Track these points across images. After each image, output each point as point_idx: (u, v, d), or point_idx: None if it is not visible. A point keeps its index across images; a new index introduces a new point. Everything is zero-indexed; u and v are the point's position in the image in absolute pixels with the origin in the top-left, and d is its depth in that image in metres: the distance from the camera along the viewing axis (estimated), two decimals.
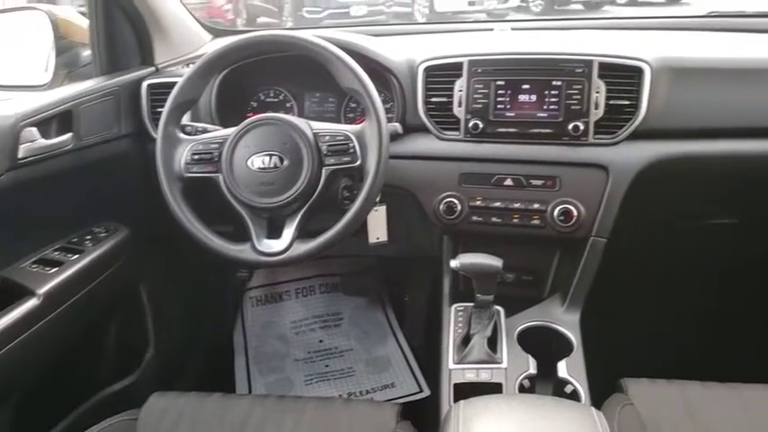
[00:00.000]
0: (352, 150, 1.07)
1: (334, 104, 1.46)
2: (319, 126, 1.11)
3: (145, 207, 1.36)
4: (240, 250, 1.08)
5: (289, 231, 1.07)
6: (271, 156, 1.07)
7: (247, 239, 1.08)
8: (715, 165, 1.23)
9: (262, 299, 2.09)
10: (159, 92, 1.38)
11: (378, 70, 1.27)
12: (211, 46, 1.34)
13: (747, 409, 0.97)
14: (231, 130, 1.11)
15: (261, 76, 1.44)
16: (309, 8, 8.16)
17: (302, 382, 1.87)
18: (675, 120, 1.19)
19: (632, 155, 1.19)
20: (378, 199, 1.15)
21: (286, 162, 1.07)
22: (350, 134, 1.08)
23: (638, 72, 1.17)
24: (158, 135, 1.12)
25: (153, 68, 1.49)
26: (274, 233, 1.09)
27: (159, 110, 1.15)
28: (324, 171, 1.07)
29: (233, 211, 1.09)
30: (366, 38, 1.36)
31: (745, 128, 1.20)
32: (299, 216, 1.08)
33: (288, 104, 1.48)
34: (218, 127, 1.22)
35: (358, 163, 1.07)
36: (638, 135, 1.18)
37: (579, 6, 9.25)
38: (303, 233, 1.08)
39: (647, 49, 1.21)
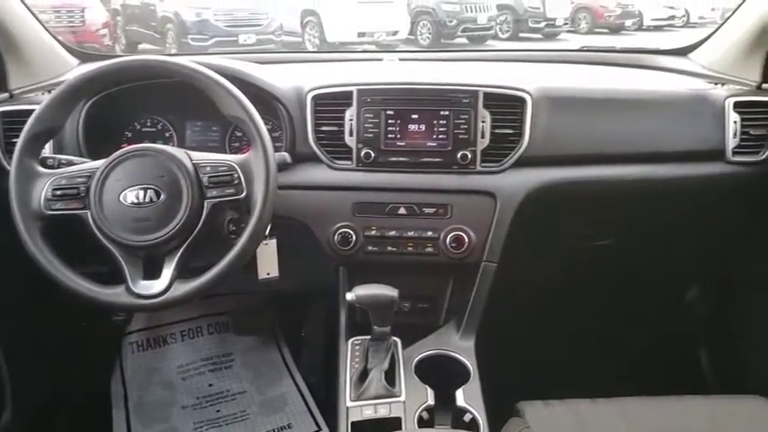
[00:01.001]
0: (236, 181, 1.01)
1: (218, 134, 1.39)
2: (200, 156, 1.04)
3: None
4: (113, 294, 0.99)
5: (168, 271, 1.00)
6: (146, 189, 0.99)
7: (121, 281, 0.99)
8: (590, 189, 1.29)
9: (143, 344, 1.93)
10: (14, 120, 1.25)
11: (264, 98, 1.23)
12: (77, 71, 1.23)
13: (631, 421, 1.02)
14: (100, 162, 1.02)
15: (137, 103, 1.35)
16: (195, 35, 7.90)
17: (191, 430, 1.74)
18: (555, 147, 1.25)
19: (517, 181, 1.23)
20: (267, 232, 1.09)
21: (163, 196, 0.99)
22: (234, 164, 1.02)
23: (520, 102, 1.22)
24: (12, 168, 1.00)
25: (6, 95, 1.34)
26: (152, 273, 1.00)
27: (15, 141, 1.04)
28: (206, 204, 1.01)
29: (104, 251, 0.99)
30: (250, 65, 1.32)
31: (613, 154, 1.28)
32: (179, 254, 1.00)
33: (167, 134, 1.39)
34: (85, 159, 1.12)
35: (244, 194, 1.01)
36: (522, 162, 1.23)
37: (464, 40, 9.75)
38: (185, 272, 1.01)
39: (528, 80, 1.27)
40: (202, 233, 1.01)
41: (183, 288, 0.99)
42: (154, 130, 1.38)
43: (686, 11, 13.84)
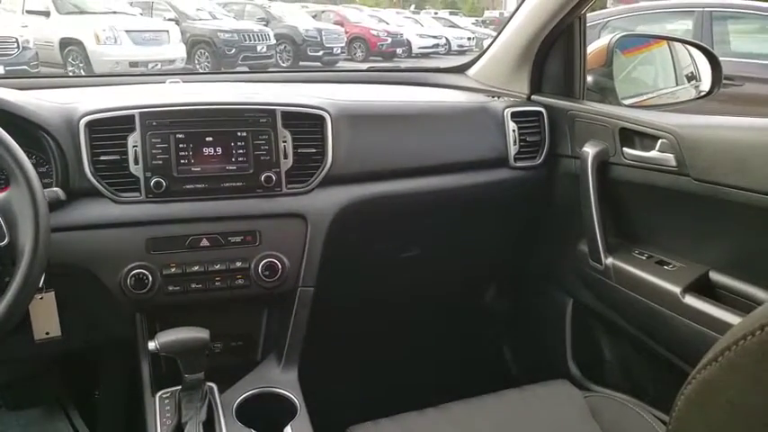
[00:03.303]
0: None
1: None
2: None
3: None
4: None
5: None
6: None
7: None
8: (392, 203, 1.33)
9: None
10: None
11: (24, 127, 1.05)
12: None
13: (457, 425, 1.07)
14: None
15: None
16: None
17: None
18: (358, 164, 1.26)
19: (326, 201, 1.21)
20: (41, 284, 0.92)
21: None
22: None
23: (320, 120, 1.21)
24: None
25: None
26: None
27: None
28: None
29: None
30: (3, 89, 1.11)
31: (411, 168, 1.33)
32: None
33: None
34: None
35: (5, 242, 0.84)
36: (328, 181, 1.21)
37: (245, 68, 9.70)
38: None
39: (324, 98, 1.27)
40: None
41: None
42: None
43: (447, 40, 15.64)
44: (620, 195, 1.34)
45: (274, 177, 1.16)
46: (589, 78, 1.47)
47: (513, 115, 1.43)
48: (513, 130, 1.42)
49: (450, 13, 23.34)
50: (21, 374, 1.64)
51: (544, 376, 1.22)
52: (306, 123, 1.20)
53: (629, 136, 1.27)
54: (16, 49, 7.37)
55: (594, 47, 1.49)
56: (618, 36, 1.48)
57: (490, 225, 1.57)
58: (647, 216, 1.32)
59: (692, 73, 1.64)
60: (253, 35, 10.33)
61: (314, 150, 1.21)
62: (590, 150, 1.32)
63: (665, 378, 1.31)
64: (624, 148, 1.27)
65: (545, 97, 1.51)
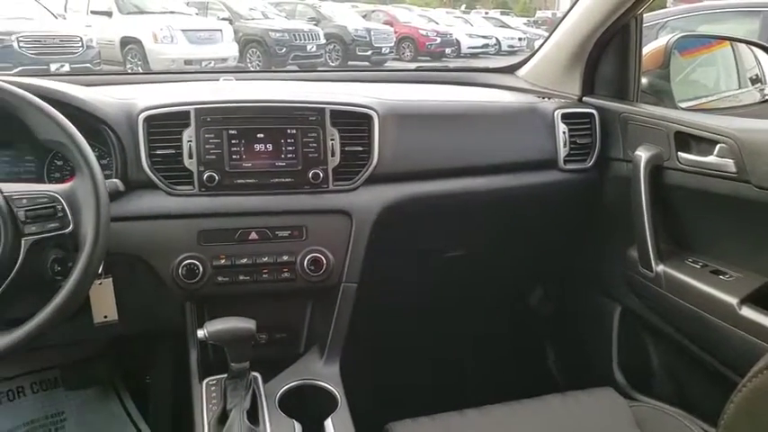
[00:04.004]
0: (60, 214, 0.89)
1: (34, 164, 1.21)
2: (13, 188, 0.90)
3: None
4: None
5: None
6: None
7: None
8: (439, 203, 1.33)
9: None
10: None
11: (88, 121, 1.10)
12: None
13: (498, 427, 1.07)
14: None
15: None
16: None
17: None
18: (404, 163, 1.27)
19: (371, 198, 1.22)
20: (101, 270, 0.97)
21: None
22: (56, 194, 0.89)
23: (367, 119, 1.22)
24: None
25: None
26: None
27: None
28: (23, 243, 0.87)
29: None
30: (70, 85, 1.17)
31: (458, 168, 1.33)
32: None
33: None
34: None
35: (70, 229, 0.88)
36: (374, 179, 1.23)
37: (294, 68, 9.84)
38: (1, 323, 0.86)
39: (373, 97, 1.28)
40: (21, 277, 0.86)
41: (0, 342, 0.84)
42: None
43: (497, 40, 15.45)
44: (673, 201, 1.31)
45: (321, 174, 1.18)
46: (644, 80, 1.44)
47: (564, 117, 1.41)
48: (564, 132, 1.40)
49: (502, 13, 23.07)
50: (79, 356, 1.72)
51: (588, 383, 1.20)
52: (353, 122, 1.22)
53: (686, 140, 1.23)
54: (81, 48, 7.71)
55: (651, 48, 1.46)
56: (677, 37, 1.44)
57: (537, 227, 1.55)
58: (702, 223, 1.28)
59: (756, 75, 1.58)
60: (303, 35, 10.48)
61: (361, 149, 1.22)
62: (643, 154, 1.29)
63: (715, 390, 1.27)
64: (679, 153, 1.24)
65: (597, 99, 1.48)
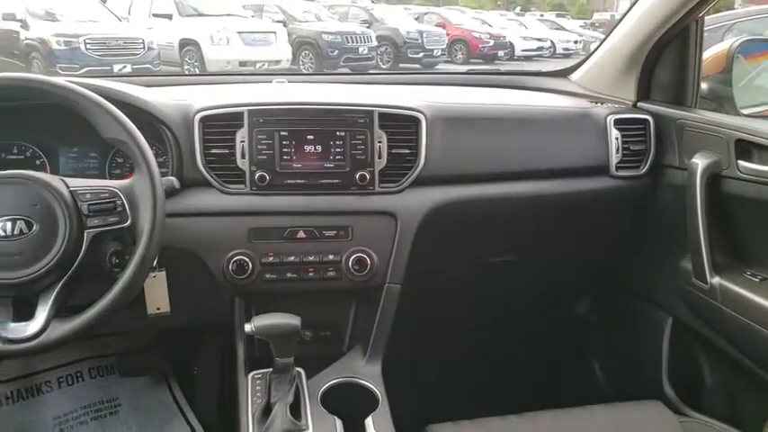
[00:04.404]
0: (119, 209, 0.93)
1: (97, 160, 1.28)
2: (78, 183, 0.95)
3: None
4: None
5: (43, 310, 0.89)
6: (14, 220, 0.89)
7: None
8: (486, 207, 1.33)
9: (12, 396, 1.71)
10: None
11: (147, 120, 1.15)
12: None
13: None
14: None
15: (0, 129, 1.21)
16: (64, 65, 7.38)
17: None
18: (451, 166, 1.27)
19: (416, 201, 1.23)
20: (155, 263, 1.01)
21: (36, 227, 0.89)
22: (116, 190, 0.94)
23: (415, 122, 1.23)
24: None
25: None
26: (24, 314, 0.89)
27: None
28: (86, 235, 0.92)
29: None
30: (131, 86, 1.23)
31: (506, 172, 1.33)
32: (56, 291, 0.90)
33: (38, 162, 1.25)
34: None
35: (128, 223, 0.93)
36: (420, 182, 1.23)
37: (346, 70, 9.93)
38: (62, 311, 0.91)
39: (421, 100, 1.29)
40: (82, 267, 0.91)
41: (61, 328, 0.88)
42: (22, 158, 1.24)
43: (552, 43, 15.16)
44: (731, 211, 1.26)
45: (368, 176, 1.20)
46: (703, 86, 1.39)
47: (617, 122, 1.38)
48: (616, 138, 1.37)
49: (557, 16, 22.61)
50: (133, 345, 1.80)
51: (636, 395, 1.17)
52: (401, 124, 1.23)
53: (747, 148, 1.19)
54: (142, 50, 8.04)
55: (712, 52, 1.41)
56: (741, 40, 1.39)
57: (586, 234, 1.52)
58: (761, 235, 1.23)
59: None
60: (355, 37, 10.57)
61: (408, 151, 1.23)
62: (700, 162, 1.25)
63: None
64: (740, 161, 1.19)
65: (653, 104, 1.44)
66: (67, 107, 0.94)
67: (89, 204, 0.92)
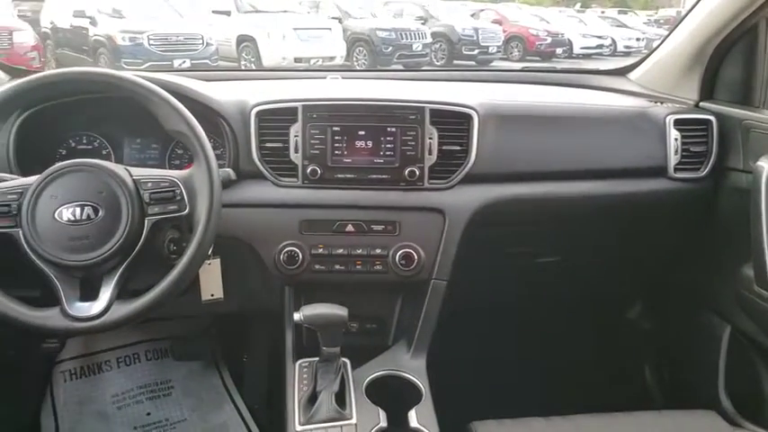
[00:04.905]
0: (178, 198, 0.97)
1: (158, 151, 1.34)
2: (140, 172, 0.99)
3: None
4: (45, 317, 0.92)
5: (106, 292, 0.94)
6: (83, 206, 0.94)
7: (55, 304, 0.92)
8: (536, 205, 1.31)
9: (76, 372, 1.82)
10: None
11: (207, 114, 1.19)
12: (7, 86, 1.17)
13: None
14: (33, 179, 0.96)
15: (71, 120, 1.28)
16: (128, 59, 7.70)
17: None
18: (502, 164, 1.26)
19: (466, 198, 1.23)
20: (210, 251, 1.05)
21: (102, 213, 0.94)
22: (176, 180, 0.98)
23: (466, 118, 1.23)
24: None
25: None
26: (89, 294, 0.94)
27: None
28: (146, 222, 0.96)
29: (37, 272, 0.93)
30: (193, 81, 1.28)
31: (559, 171, 1.31)
32: (119, 273, 0.95)
33: (104, 152, 1.32)
34: (15, 176, 1.05)
35: (186, 211, 0.97)
36: (470, 179, 1.23)
37: (400, 66, 9.91)
38: (123, 293, 0.95)
39: (473, 97, 1.28)
40: (143, 252, 0.96)
41: (122, 309, 0.93)
42: (90, 147, 1.31)
43: (613, 40, 14.69)
44: None
45: (417, 172, 1.21)
46: None
47: (677, 123, 1.34)
48: (676, 139, 1.33)
49: (619, 12, 21.86)
50: (187, 331, 1.87)
51: (688, 404, 1.13)
52: (453, 121, 1.23)
53: None
54: (201, 45, 8.27)
55: None
56: None
57: (640, 237, 1.49)
58: None
59: None
60: (409, 33, 10.53)
61: (458, 148, 1.23)
62: (766, 165, 1.20)
63: None
64: None
65: (716, 104, 1.39)
66: (134, 100, 0.99)
67: (150, 193, 0.96)
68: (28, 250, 0.93)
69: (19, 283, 0.95)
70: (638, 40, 15.38)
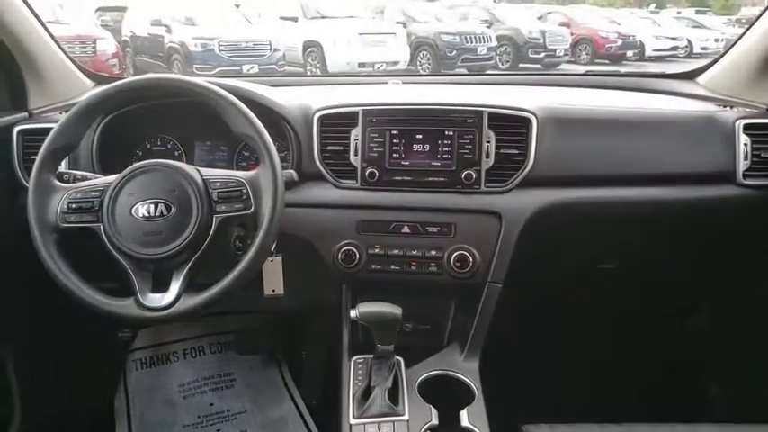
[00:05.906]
0: (245, 197, 1.02)
1: (226, 153, 1.41)
2: (210, 172, 1.06)
3: (12, 260, 1.23)
4: (122, 306, 1.00)
5: (176, 284, 1.00)
6: (157, 204, 1.01)
7: (130, 294, 1.00)
8: (596, 211, 1.30)
9: (146, 361, 1.93)
10: (33, 138, 1.29)
11: (272, 118, 1.25)
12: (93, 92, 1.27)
13: None
14: (113, 178, 1.04)
15: (147, 123, 1.37)
16: (200, 65, 8.05)
17: None
18: (560, 168, 1.26)
19: (523, 202, 1.23)
20: (273, 249, 1.10)
21: (174, 210, 1.01)
22: (243, 180, 1.03)
23: (525, 122, 1.23)
24: (30, 182, 1.03)
25: (25, 114, 1.38)
26: (160, 286, 1.01)
27: (33, 158, 1.07)
28: (214, 219, 1.02)
29: (115, 264, 1.01)
30: (260, 86, 1.34)
31: (620, 176, 1.29)
32: (188, 267, 1.01)
33: (176, 153, 1.41)
34: (98, 175, 1.14)
35: (251, 210, 1.02)
36: (527, 183, 1.23)
37: (464, 70, 9.84)
38: (192, 286, 1.02)
39: (533, 101, 1.28)
40: (210, 248, 1.02)
41: (190, 301, 0.99)
42: (164, 148, 1.41)
43: (689, 41, 14.00)
44: None
45: (474, 175, 1.22)
46: None
47: (747, 128, 1.29)
48: (745, 144, 1.28)
49: (697, 12, 20.87)
50: (248, 326, 1.95)
51: (750, 418, 1.09)
52: (511, 125, 1.23)
53: None
54: (269, 51, 8.52)
55: None
56: None
57: (705, 245, 1.44)
58: None
59: None
60: (474, 37, 10.45)
61: (516, 151, 1.23)
62: None
63: None
64: None
65: None
66: (205, 105, 1.05)
67: (218, 192, 1.02)
68: (107, 244, 1.00)
69: (99, 275, 1.03)
70: (716, 41, 14.58)
